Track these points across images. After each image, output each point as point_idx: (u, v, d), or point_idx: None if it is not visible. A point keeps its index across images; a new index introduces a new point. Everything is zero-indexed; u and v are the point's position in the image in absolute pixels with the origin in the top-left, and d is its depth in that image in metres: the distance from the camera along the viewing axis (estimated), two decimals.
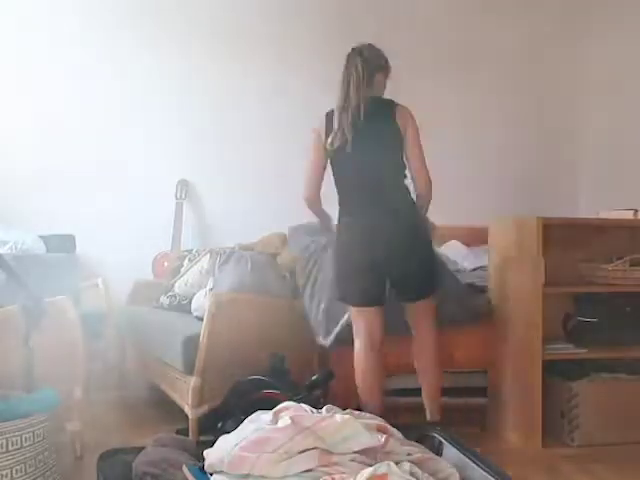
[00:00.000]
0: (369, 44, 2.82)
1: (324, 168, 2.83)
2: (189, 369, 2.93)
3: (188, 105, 4.50)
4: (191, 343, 2.92)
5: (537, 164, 4.85)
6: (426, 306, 2.85)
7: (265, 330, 3.06)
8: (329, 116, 2.79)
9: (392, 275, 2.77)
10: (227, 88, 4.53)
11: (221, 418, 2.73)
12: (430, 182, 2.80)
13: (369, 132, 2.72)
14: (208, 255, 3.55)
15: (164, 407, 3.43)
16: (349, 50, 2.82)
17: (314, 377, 2.81)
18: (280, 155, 4.51)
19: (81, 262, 4.05)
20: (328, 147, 2.76)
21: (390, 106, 2.78)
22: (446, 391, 3.10)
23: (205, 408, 2.92)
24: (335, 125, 2.75)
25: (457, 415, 3.11)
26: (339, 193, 2.85)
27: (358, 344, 2.82)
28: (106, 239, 4.24)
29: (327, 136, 2.76)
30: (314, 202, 2.88)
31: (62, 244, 3.93)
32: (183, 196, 4.40)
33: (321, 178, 2.84)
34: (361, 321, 2.80)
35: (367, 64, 2.76)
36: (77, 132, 4.36)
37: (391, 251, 2.72)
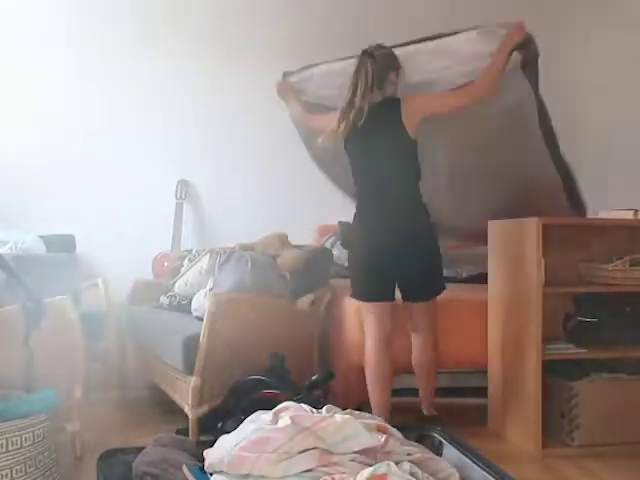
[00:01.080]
0: (379, 44, 2.85)
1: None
2: (189, 369, 2.92)
3: (188, 105, 4.49)
4: (191, 343, 2.91)
5: None
6: (427, 307, 2.98)
7: (265, 330, 3.07)
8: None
9: (397, 274, 2.89)
10: (228, 88, 4.52)
11: (221, 418, 2.73)
12: (485, 84, 2.75)
13: (371, 136, 2.80)
14: (208, 255, 3.55)
15: (164, 407, 3.43)
16: (357, 52, 2.86)
17: (314, 377, 2.82)
18: (280, 155, 4.50)
19: (81, 262, 4.03)
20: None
21: (396, 106, 2.81)
22: (446, 391, 3.18)
23: (205, 408, 2.92)
24: (334, 126, 2.85)
25: (457, 415, 3.14)
26: (355, 193, 2.97)
27: (369, 341, 2.94)
28: (106, 239, 4.23)
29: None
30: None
31: (62, 244, 3.92)
32: (183, 196, 4.39)
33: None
34: (371, 316, 2.92)
35: (378, 67, 2.79)
36: (77, 132, 4.35)
37: (396, 251, 2.82)
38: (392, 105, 2.83)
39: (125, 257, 4.17)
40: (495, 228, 3.21)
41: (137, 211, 4.34)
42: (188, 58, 4.47)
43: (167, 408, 3.35)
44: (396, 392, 3.09)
